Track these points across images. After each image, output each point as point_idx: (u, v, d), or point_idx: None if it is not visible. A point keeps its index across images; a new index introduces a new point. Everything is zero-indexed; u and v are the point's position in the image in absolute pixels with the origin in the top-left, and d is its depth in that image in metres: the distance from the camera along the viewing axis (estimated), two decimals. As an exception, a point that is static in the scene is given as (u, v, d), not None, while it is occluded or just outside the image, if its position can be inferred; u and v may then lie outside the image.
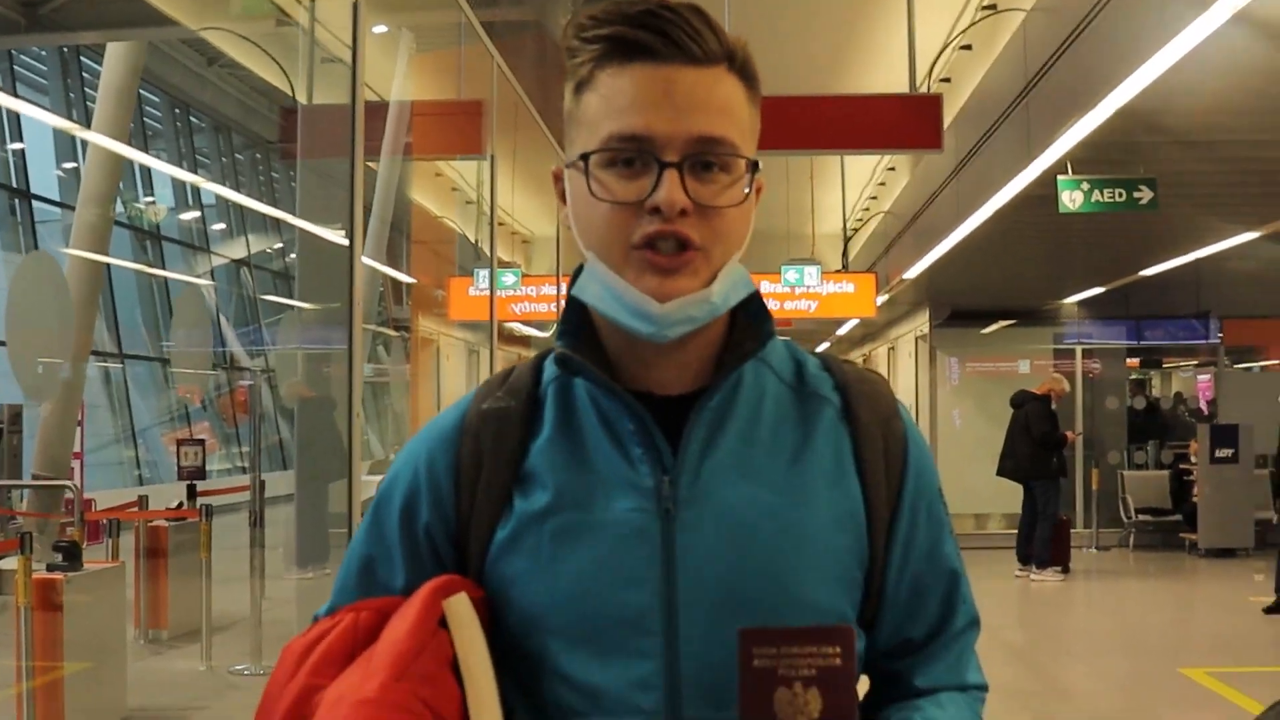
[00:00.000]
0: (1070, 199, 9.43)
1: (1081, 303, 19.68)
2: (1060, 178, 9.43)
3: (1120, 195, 9.48)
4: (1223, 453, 16.56)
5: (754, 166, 1.56)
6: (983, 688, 1.71)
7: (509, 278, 16.07)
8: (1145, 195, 9.48)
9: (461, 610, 1.52)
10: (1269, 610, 12.10)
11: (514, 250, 21.09)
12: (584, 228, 1.57)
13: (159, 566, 10.20)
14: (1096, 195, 9.49)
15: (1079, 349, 19.77)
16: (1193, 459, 17.20)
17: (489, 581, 1.59)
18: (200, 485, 11.31)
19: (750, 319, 1.62)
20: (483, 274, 15.20)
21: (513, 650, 1.57)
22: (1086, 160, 9.11)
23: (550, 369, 1.67)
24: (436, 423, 1.70)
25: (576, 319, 1.62)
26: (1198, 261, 14.86)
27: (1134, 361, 24.46)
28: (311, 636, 1.53)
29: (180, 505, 10.80)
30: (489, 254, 9.85)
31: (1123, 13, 7.00)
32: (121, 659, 8.05)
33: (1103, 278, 17.46)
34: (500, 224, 15.40)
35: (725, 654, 1.44)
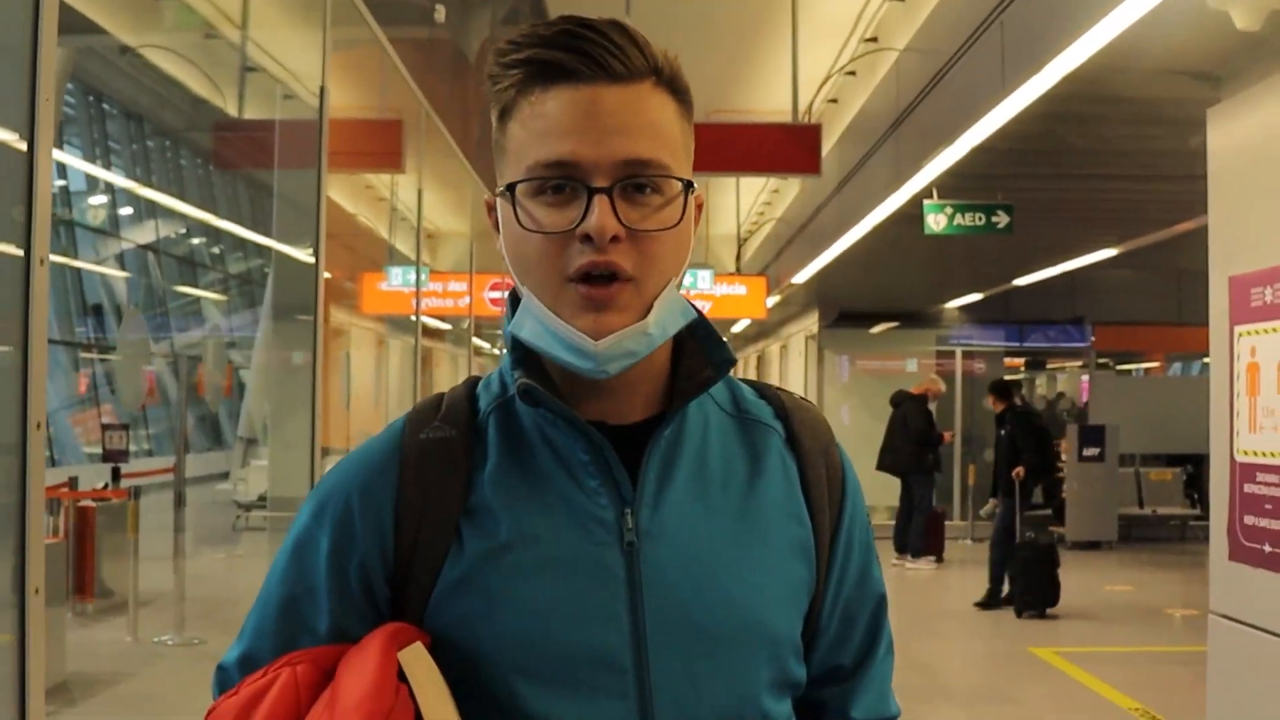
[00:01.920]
0: (935, 221, 10.25)
1: (963, 307, 20.54)
2: (926, 201, 10.18)
3: (980, 219, 10.29)
4: (1090, 451, 17.30)
5: (689, 186, 1.50)
6: (897, 717, 1.73)
7: (411, 275, 16.60)
8: (1002, 220, 10.33)
9: (422, 662, 1.45)
10: (981, 604, 12.73)
11: (421, 245, 21.62)
12: (517, 260, 1.51)
13: (86, 544, 10.72)
14: (959, 219, 10.31)
15: (959, 350, 20.70)
16: (1064, 457, 17.77)
17: (437, 621, 1.50)
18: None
19: (702, 344, 1.58)
20: (394, 271, 15.80)
21: (470, 692, 1.48)
22: (950, 186, 9.85)
23: (486, 397, 1.60)
24: (365, 454, 1.59)
25: (525, 349, 1.54)
26: (1073, 271, 15.70)
27: (1018, 362, 25.48)
28: (245, 696, 1.43)
29: (105, 486, 11.38)
30: (408, 257, 10.50)
31: (980, 58, 7.72)
32: (61, 627, 8.52)
33: (980, 286, 18.33)
34: (404, 220, 15.94)
35: (698, 689, 1.48)
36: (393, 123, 9.04)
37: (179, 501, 10.48)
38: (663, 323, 1.49)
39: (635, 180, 1.45)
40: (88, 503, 10.95)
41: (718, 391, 1.64)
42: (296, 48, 8.93)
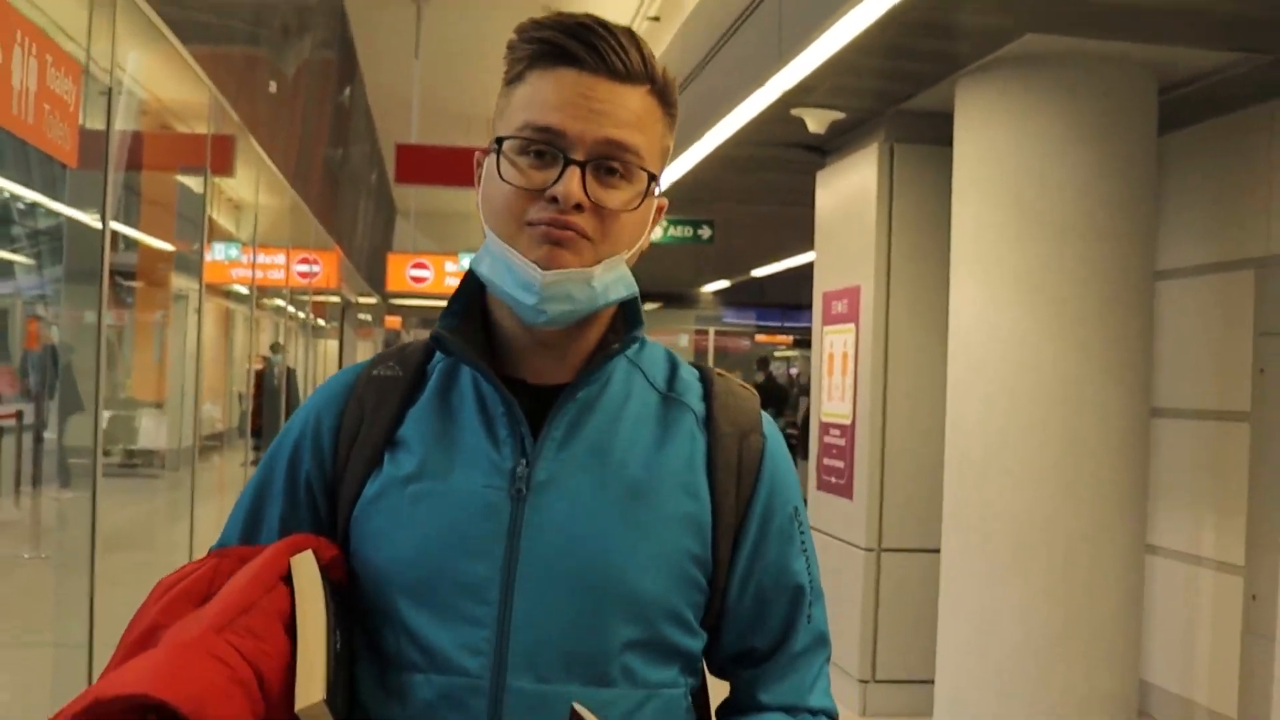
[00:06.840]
0: (654, 232, 12.63)
1: (716, 292, 22.85)
2: (651, 216, 12.44)
3: (689, 232, 12.83)
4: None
5: (652, 179, 1.58)
6: (827, 712, 1.72)
7: (232, 250, 17.25)
8: (706, 232, 12.90)
9: (304, 568, 1.53)
10: None
11: (235, 215, 22.22)
12: (488, 205, 1.59)
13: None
14: (673, 230, 12.86)
15: (712, 330, 23.17)
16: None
17: (353, 535, 1.62)
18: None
19: (625, 321, 1.64)
20: (218, 246, 17.17)
21: (366, 603, 1.60)
22: (670, 203, 12.09)
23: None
24: (332, 382, 1.73)
25: (466, 301, 1.64)
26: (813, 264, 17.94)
27: (785, 339, 27.93)
28: (176, 575, 1.57)
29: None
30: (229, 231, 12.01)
31: (694, 98, 9.00)
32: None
33: (727, 275, 20.86)
34: (223, 194, 17.00)
35: (553, 632, 1.54)
36: (227, 138, 10.24)
37: (37, 439, 11.81)
38: (606, 281, 1.55)
39: (608, 161, 1.54)
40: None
41: (653, 368, 1.70)
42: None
